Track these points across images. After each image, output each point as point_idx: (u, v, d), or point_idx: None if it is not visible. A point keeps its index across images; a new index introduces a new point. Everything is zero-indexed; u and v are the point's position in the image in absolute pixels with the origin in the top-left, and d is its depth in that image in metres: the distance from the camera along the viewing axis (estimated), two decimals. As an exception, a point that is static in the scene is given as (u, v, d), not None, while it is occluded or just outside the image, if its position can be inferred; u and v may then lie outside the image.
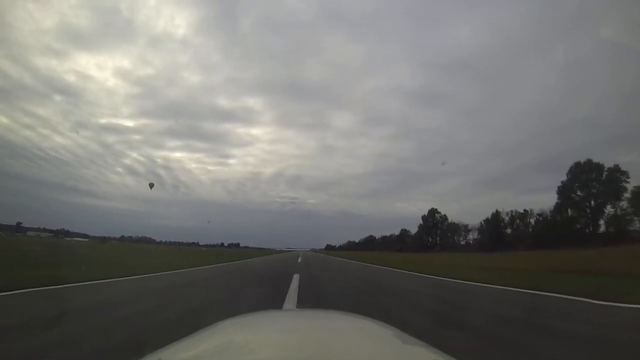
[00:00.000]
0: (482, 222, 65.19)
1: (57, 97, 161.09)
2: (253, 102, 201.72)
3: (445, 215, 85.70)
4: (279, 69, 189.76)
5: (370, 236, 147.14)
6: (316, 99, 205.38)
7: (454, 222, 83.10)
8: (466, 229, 75.97)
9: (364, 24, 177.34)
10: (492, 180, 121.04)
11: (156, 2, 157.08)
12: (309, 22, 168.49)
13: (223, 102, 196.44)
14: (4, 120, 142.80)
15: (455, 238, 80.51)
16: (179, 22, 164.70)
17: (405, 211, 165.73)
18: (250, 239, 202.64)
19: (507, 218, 59.02)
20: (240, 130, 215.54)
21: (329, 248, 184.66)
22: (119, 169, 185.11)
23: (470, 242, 72.95)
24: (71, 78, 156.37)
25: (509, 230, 59.64)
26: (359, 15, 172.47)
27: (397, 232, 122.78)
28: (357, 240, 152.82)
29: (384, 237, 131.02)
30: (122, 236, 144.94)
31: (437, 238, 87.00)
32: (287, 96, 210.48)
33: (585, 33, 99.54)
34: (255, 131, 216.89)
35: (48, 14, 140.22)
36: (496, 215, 59.39)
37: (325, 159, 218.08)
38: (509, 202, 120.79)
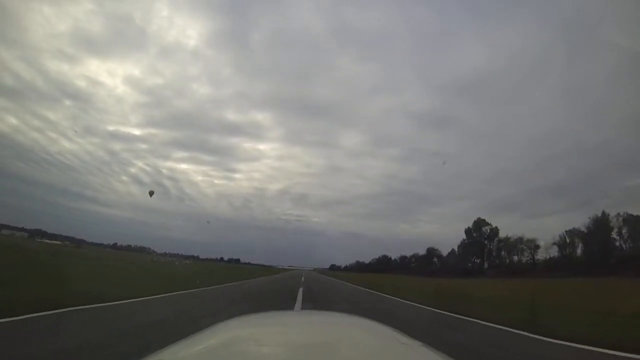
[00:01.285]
0: (565, 233, 45.35)
1: (67, 102, 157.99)
2: (261, 117, 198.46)
3: (496, 227, 65.79)
4: (288, 85, 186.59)
5: (384, 256, 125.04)
6: (325, 117, 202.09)
7: (508, 237, 62.91)
8: (533, 244, 55.56)
9: (375, 43, 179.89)
10: (499, 204, 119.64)
11: (169, 12, 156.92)
12: (320, 39, 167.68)
13: (231, 115, 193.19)
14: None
15: (518, 257, 59.91)
16: (191, 34, 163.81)
17: (409, 233, 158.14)
18: (252, 255, 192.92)
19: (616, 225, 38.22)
20: (248, 145, 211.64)
21: (334, 268, 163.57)
22: (124, 177, 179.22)
23: (540, 261, 52.34)
24: (82, 83, 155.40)
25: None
26: (369, 35, 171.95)
27: (401, 254, 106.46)
28: (367, 261, 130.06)
29: (403, 258, 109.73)
30: (115, 244, 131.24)
31: (485, 258, 66.73)
32: (296, 113, 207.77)
33: (596, 56, 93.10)
34: (263, 147, 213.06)
35: (63, 19, 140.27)
36: (603, 220, 38.17)
37: (333, 178, 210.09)
38: (516, 226, 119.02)
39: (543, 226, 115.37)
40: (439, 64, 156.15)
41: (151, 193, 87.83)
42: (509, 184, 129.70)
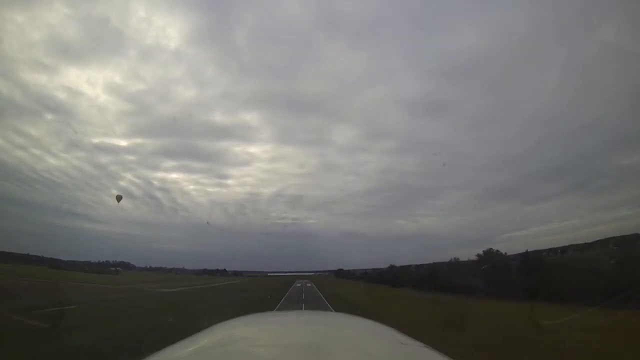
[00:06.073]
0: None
1: (49, 115, 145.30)
2: (250, 117, 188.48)
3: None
4: (276, 81, 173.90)
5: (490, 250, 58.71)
6: (316, 113, 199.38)
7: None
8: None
9: (364, 31, 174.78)
10: (498, 191, 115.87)
11: (146, 12, 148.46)
12: (307, 31, 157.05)
13: (219, 118, 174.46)
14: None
15: None
16: (171, 33, 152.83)
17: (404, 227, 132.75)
18: (248, 263, 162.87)
19: None
20: (238, 148, 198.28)
21: (341, 275, 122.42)
22: (113, 191, 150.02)
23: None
24: (62, 95, 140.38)
25: None
26: (358, 23, 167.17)
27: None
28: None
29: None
30: (70, 260, 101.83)
31: None
32: (286, 111, 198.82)
33: (591, 34, 76.14)
34: (253, 149, 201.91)
35: (37, 27, 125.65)
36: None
37: (327, 176, 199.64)
38: (516, 212, 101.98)
39: (543, 209, 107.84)
40: (430, 47, 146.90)
41: (119, 198, 79.26)
42: (506, 170, 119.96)
